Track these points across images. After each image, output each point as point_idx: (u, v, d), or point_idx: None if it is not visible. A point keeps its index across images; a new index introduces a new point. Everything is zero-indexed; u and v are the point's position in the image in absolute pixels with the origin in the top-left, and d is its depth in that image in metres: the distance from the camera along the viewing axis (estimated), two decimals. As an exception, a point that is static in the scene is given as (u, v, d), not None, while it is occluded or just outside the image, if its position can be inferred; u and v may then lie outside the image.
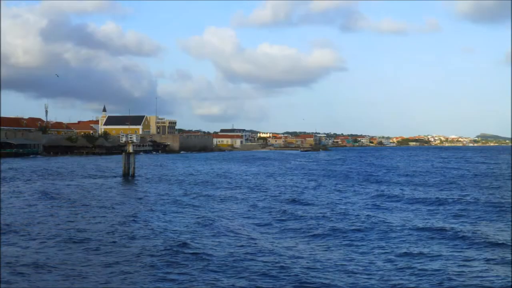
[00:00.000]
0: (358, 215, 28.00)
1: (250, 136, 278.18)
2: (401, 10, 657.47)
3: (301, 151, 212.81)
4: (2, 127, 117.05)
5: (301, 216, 27.88)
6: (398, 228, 24.13)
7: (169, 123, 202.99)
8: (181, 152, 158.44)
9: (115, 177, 55.50)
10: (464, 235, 21.83)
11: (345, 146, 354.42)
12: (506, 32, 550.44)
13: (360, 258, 18.31)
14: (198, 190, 42.81)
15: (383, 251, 19.44)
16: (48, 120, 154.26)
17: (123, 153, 55.96)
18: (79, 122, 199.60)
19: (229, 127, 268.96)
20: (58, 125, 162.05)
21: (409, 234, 22.57)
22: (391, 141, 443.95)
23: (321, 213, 29.10)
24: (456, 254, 18.78)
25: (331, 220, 26.47)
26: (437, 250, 19.45)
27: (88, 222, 25.74)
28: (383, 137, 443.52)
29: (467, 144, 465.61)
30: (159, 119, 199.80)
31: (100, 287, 14.94)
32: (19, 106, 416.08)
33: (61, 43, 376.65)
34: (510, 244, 20.06)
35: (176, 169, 73.88)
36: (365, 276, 15.99)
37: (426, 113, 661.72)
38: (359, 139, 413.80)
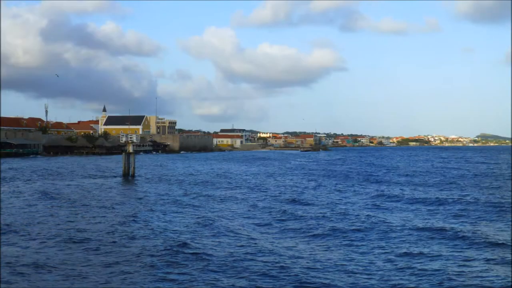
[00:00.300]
0: (358, 215, 27.99)
1: (250, 136, 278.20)
2: (401, 10, 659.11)
3: (301, 151, 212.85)
4: (2, 127, 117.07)
5: (301, 216, 27.87)
6: (398, 228, 24.12)
7: (169, 123, 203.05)
8: (181, 152, 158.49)
9: (115, 177, 55.50)
10: (464, 235, 21.82)
11: (345, 146, 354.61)
12: (506, 32, 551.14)
13: (360, 258, 18.31)
14: (198, 190, 42.81)
15: (383, 251, 19.43)
16: (48, 120, 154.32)
17: (123, 153, 55.96)
18: (79, 122, 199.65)
19: (229, 127, 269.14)
20: (58, 125, 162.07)
21: (409, 234, 22.56)
22: (391, 141, 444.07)
23: (321, 213, 29.09)
24: (456, 254, 18.77)
25: (331, 220, 26.46)
26: (437, 250, 19.44)
27: (88, 222, 25.73)
28: (383, 137, 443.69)
29: (467, 144, 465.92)
30: (159, 119, 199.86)
31: (100, 287, 14.94)
32: (19, 106, 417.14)
33: (61, 43, 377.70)
34: (510, 244, 20.05)
35: (176, 169, 73.87)
36: (365, 276, 15.99)
37: (426, 113, 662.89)
38: (359, 139, 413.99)
